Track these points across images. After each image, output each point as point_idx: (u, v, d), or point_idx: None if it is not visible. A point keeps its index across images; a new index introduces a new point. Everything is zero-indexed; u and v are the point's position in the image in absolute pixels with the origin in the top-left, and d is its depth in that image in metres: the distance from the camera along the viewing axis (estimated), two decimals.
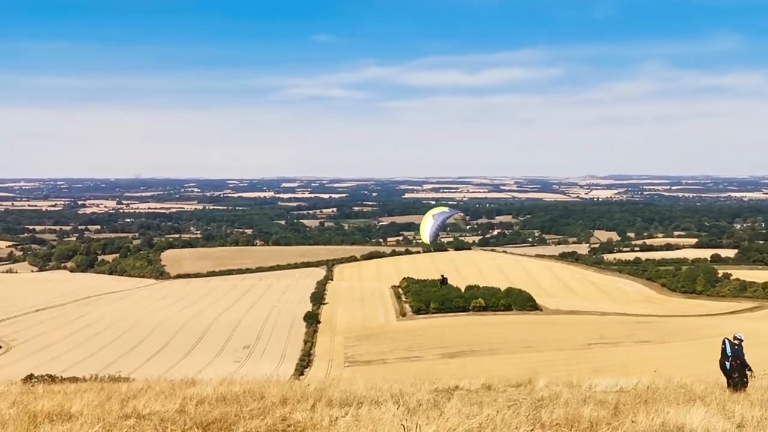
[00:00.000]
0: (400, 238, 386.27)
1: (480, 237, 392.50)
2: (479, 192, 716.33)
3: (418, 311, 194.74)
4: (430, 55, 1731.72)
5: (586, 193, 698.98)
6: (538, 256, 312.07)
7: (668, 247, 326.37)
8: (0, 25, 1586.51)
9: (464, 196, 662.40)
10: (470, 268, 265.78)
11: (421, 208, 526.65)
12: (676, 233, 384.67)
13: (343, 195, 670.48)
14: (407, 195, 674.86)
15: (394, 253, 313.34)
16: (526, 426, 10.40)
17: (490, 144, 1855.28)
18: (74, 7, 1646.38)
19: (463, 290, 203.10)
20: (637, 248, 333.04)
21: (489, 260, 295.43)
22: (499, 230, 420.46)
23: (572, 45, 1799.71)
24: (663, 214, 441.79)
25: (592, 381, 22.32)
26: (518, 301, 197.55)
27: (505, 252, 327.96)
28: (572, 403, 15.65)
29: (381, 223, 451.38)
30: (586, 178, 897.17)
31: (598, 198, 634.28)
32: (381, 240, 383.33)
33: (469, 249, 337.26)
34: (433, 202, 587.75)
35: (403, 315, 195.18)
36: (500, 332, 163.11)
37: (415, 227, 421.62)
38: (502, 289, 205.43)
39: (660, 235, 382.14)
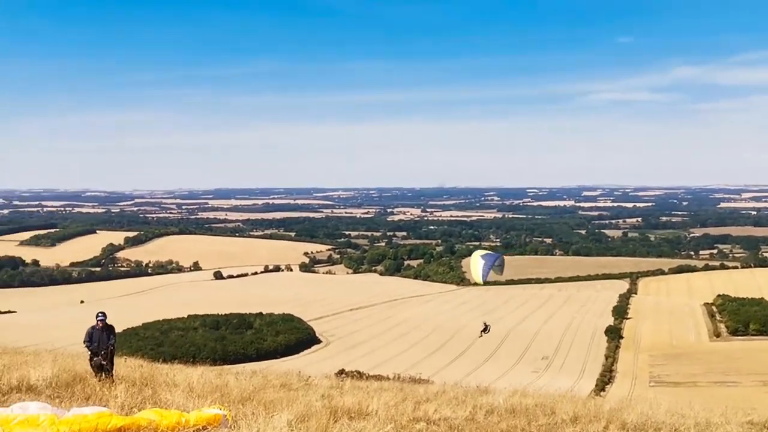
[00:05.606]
0: (714, 251, 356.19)
1: None
2: None
3: (734, 332, 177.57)
4: (750, 50, 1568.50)
5: None
6: None
7: None
8: (311, 50, 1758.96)
9: None
10: None
11: (739, 218, 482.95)
12: None
13: (649, 204, 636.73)
14: (722, 204, 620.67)
15: (707, 268, 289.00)
16: None
17: None
18: (379, 26, 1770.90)
19: None
20: None
21: None
22: None
23: None
24: None
25: None
26: None
27: None
28: None
29: (692, 235, 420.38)
30: None
31: None
32: (692, 253, 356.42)
33: None
34: (753, 212, 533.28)
35: (717, 335, 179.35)
36: None
37: (732, 240, 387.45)
38: None
39: None
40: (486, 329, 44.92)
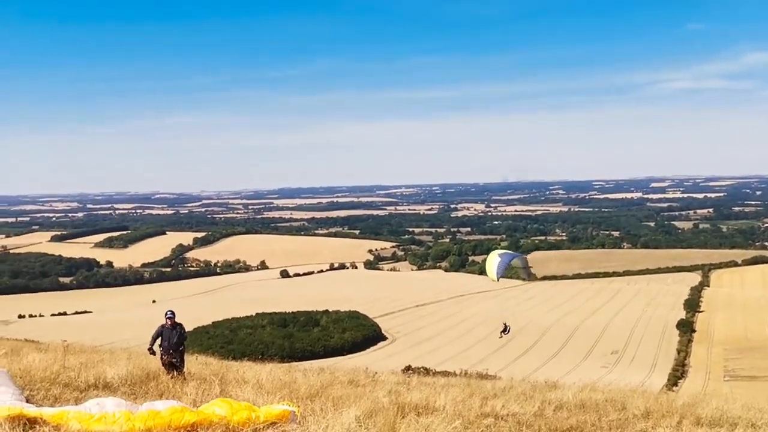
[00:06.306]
0: None
1: None
2: None
3: None
4: None
5: None
6: None
7: None
8: (370, 48, 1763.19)
9: None
10: None
11: None
12: None
13: (721, 194, 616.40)
14: None
15: None
16: None
17: None
18: (437, 21, 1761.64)
19: None
20: None
21: None
22: None
23: None
24: None
25: None
26: None
27: None
28: None
29: (767, 225, 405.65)
30: None
31: None
32: (767, 243, 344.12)
33: None
34: None
35: None
36: None
37: None
38: None
39: None
40: (506, 330, 43.76)
